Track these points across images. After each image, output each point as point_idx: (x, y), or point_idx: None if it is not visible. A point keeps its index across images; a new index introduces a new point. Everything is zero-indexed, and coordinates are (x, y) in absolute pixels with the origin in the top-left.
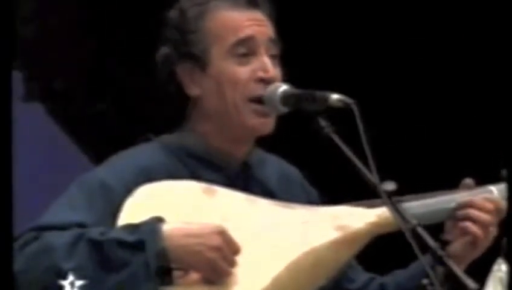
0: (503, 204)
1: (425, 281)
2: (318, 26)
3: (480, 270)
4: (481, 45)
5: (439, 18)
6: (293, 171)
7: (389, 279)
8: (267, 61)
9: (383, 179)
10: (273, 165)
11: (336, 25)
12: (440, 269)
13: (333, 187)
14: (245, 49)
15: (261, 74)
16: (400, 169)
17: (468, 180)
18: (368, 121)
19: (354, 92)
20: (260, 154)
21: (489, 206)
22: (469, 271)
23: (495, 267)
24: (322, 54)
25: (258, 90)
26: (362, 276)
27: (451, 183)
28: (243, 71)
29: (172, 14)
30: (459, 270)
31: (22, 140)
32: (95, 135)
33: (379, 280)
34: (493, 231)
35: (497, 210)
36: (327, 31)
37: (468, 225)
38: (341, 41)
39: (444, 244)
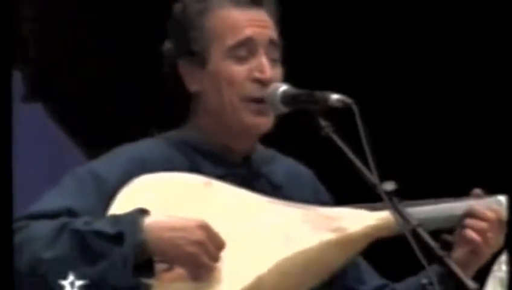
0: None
1: (424, 280)
2: (319, 26)
3: (480, 270)
4: (484, 45)
5: (442, 17)
6: (305, 172)
7: (401, 287)
8: (264, 62)
9: (384, 179)
10: (283, 164)
11: (336, 25)
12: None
13: (340, 187)
14: (244, 50)
15: (257, 75)
16: (399, 169)
17: (478, 191)
18: (368, 121)
19: (354, 92)
20: (270, 153)
21: (490, 215)
22: None
23: (495, 267)
24: (322, 53)
25: (254, 90)
26: (375, 280)
27: (453, 182)
28: (240, 70)
29: (177, 8)
30: (459, 271)
31: (22, 140)
32: (95, 135)
33: (391, 286)
34: (494, 238)
35: (498, 220)
36: (327, 31)
37: (468, 232)
38: (341, 41)
39: (444, 244)
